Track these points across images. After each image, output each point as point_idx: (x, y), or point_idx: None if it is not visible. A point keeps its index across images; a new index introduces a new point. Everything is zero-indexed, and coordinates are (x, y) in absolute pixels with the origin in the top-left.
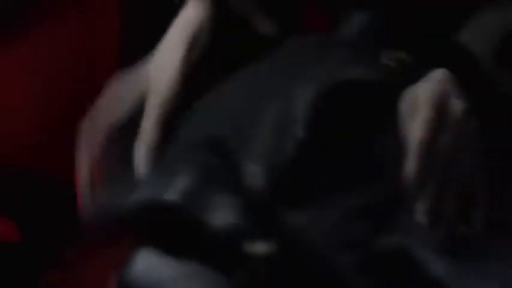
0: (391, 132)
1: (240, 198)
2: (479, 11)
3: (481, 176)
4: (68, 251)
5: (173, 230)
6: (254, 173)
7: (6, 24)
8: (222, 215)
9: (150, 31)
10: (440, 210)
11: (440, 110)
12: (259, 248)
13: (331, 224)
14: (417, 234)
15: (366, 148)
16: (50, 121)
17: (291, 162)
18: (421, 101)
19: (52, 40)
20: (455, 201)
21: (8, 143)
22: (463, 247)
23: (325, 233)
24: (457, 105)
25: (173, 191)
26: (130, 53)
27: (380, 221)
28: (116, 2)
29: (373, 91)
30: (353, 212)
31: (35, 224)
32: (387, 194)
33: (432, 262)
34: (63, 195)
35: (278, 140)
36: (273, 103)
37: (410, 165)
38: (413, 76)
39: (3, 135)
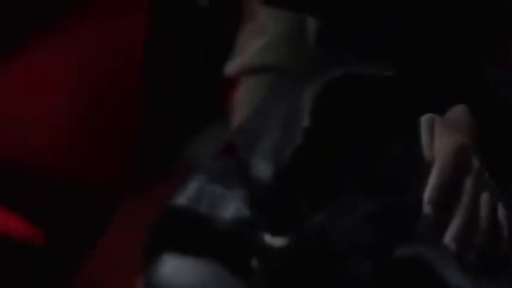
0: (405, 136)
1: (249, 191)
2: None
3: (504, 205)
4: (90, 254)
5: (190, 232)
6: (262, 167)
7: (29, 27)
8: (232, 208)
9: (175, 34)
10: (469, 238)
11: (459, 160)
12: (275, 240)
13: (349, 226)
14: (437, 246)
15: (380, 147)
16: (74, 126)
17: (298, 151)
18: (441, 150)
19: (76, 43)
20: (483, 230)
21: (32, 148)
22: (488, 266)
23: (343, 233)
24: (475, 159)
25: (183, 196)
26: (155, 57)
27: (399, 228)
28: (142, 5)
29: (381, 86)
30: (372, 217)
31: (59, 228)
32: (408, 202)
33: (453, 274)
34: (87, 199)
35: (285, 132)
36: (283, 103)
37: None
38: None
39: (28, 141)
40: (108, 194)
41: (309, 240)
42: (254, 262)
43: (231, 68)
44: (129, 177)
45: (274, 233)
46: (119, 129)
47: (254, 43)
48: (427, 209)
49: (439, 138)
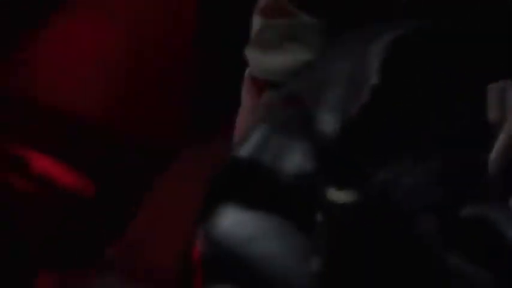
0: (473, 95)
1: (313, 145)
2: None
3: None
4: (142, 207)
5: (252, 184)
6: (328, 121)
7: None
8: (295, 161)
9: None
10: None
11: None
12: (339, 196)
13: (414, 184)
14: (502, 206)
15: (446, 107)
16: (129, 77)
17: (364, 109)
18: (510, 112)
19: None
20: None
21: (85, 100)
22: None
23: (408, 191)
24: None
25: (246, 147)
26: (207, 22)
27: (465, 188)
28: None
29: (451, 44)
30: (437, 175)
31: (110, 180)
32: (474, 162)
33: None
34: (141, 151)
35: (352, 87)
36: (348, 57)
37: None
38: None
39: (81, 92)
40: (164, 146)
41: (373, 198)
42: (318, 217)
43: (257, 72)
44: (185, 129)
45: (338, 188)
46: (175, 79)
47: (289, 49)
48: (493, 169)
49: (508, 100)
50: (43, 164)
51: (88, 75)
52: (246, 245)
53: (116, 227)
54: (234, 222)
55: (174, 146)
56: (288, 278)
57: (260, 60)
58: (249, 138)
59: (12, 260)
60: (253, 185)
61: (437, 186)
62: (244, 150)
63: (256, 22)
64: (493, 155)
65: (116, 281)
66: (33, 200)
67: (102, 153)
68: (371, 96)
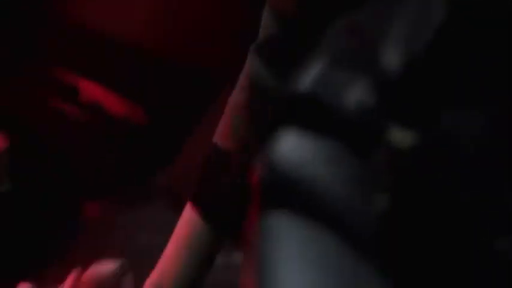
0: None
1: (376, 80)
2: None
3: None
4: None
5: (312, 117)
6: (392, 56)
7: None
8: (356, 95)
9: None
10: None
11: None
12: (401, 136)
13: (480, 130)
14: None
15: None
16: (182, 9)
17: (430, 47)
18: None
19: None
20: None
21: (139, 29)
22: None
23: (472, 138)
24: None
25: (306, 80)
26: None
27: None
28: None
29: None
30: (502, 124)
31: (162, 110)
32: None
33: None
34: (193, 84)
35: (417, 24)
36: None
37: None
38: None
39: (134, 22)
40: (218, 75)
41: (436, 141)
42: (378, 155)
43: (254, 78)
44: (240, 56)
45: (400, 127)
46: (231, 6)
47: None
48: None
49: None
50: (95, 92)
51: (140, 2)
52: (300, 169)
53: (167, 155)
54: (291, 147)
55: (228, 75)
56: (341, 205)
57: (260, 71)
58: (309, 69)
59: (64, 185)
60: (313, 116)
61: (502, 135)
62: (305, 82)
63: (265, 13)
64: None
65: (166, 207)
66: (85, 128)
67: (154, 81)
68: (437, 34)
